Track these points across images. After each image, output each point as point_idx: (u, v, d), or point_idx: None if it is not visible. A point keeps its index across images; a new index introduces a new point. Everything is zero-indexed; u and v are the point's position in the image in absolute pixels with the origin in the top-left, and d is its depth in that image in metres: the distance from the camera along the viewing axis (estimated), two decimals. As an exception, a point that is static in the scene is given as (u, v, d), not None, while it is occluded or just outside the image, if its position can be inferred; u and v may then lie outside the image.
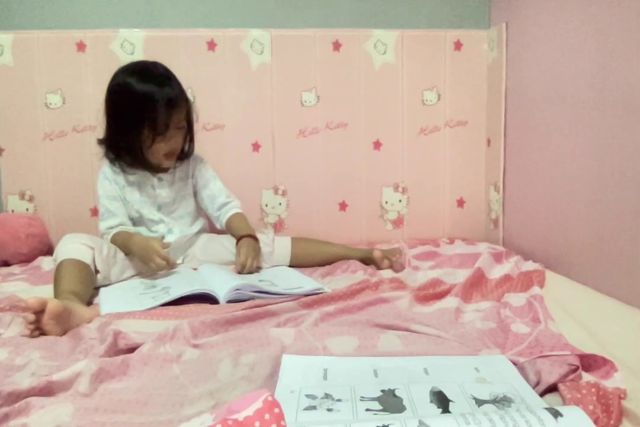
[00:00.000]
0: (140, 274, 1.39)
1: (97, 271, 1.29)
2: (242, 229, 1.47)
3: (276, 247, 1.49)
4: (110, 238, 1.41)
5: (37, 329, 0.98)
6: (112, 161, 1.45)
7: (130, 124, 1.35)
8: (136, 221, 1.49)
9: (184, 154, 1.49)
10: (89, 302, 1.21)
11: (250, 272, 1.37)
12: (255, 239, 1.45)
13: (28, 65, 1.67)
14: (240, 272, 1.37)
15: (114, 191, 1.45)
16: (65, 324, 1.00)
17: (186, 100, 1.42)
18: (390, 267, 1.46)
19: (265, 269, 1.46)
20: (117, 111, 1.38)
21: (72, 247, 1.28)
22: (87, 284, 1.23)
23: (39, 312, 0.97)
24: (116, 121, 1.39)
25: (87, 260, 1.26)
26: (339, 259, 1.49)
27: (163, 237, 1.43)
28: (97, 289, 1.30)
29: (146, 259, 1.30)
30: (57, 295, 1.14)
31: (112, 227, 1.43)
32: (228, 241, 1.50)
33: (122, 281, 1.35)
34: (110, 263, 1.32)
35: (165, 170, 1.48)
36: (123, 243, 1.37)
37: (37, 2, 1.68)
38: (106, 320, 1.00)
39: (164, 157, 1.41)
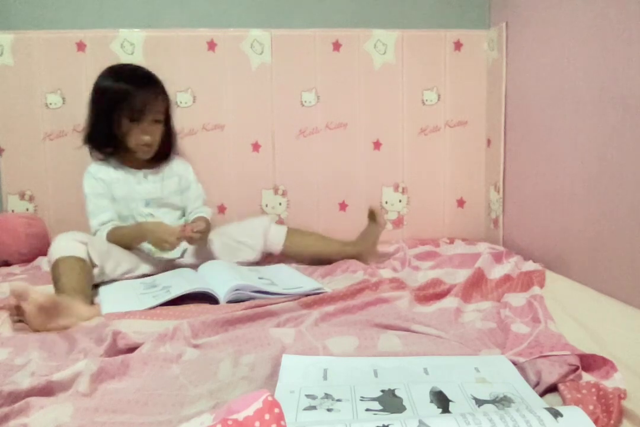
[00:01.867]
0: (135, 269, 1.39)
1: (94, 265, 1.29)
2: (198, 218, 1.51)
3: (270, 233, 1.53)
4: (105, 234, 1.41)
5: (18, 316, 1.00)
6: (100, 156, 1.47)
7: (111, 113, 1.40)
8: (123, 218, 1.49)
9: (165, 153, 1.52)
10: (91, 301, 1.21)
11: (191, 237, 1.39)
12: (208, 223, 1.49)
13: (28, 65, 1.67)
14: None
15: (101, 188, 1.46)
16: (49, 319, 1.00)
17: (165, 98, 1.45)
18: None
19: (265, 267, 1.47)
20: (100, 101, 1.42)
21: (65, 245, 1.27)
22: (88, 280, 1.24)
23: (23, 299, 0.98)
24: (99, 112, 1.43)
25: (83, 255, 1.26)
26: (333, 255, 1.51)
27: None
28: (95, 287, 1.31)
29: (161, 239, 1.34)
30: (59, 293, 1.15)
31: (104, 223, 1.43)
32: (227, 235, 1.52)
33: (117, 276, 1.36)
34: (104, 258, 1.32)
35: (149, 167, 1.50)
36: (128, 234, 1.40)
37: (37, 2, 1.68)
38: (105, 320, 1.00)
39: (139, 146, 1.43)
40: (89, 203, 1.45)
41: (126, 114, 1.39)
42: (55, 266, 1.23)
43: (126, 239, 1.40)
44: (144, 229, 1.38)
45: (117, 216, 1.47)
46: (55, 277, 1.21)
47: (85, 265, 1.25)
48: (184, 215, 1.56)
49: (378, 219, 1.56)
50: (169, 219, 1.51)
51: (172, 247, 1.35)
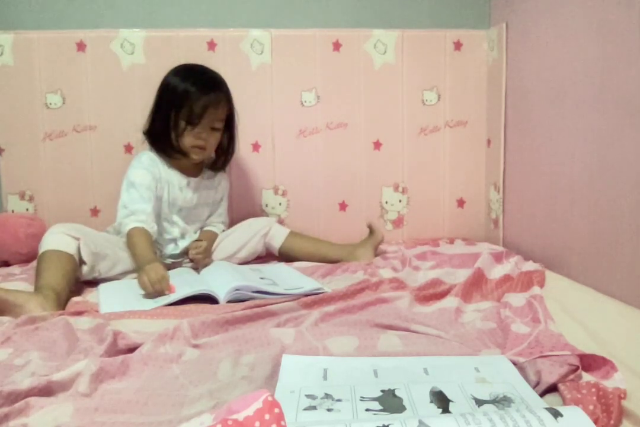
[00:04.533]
0: (134, 270, 1.39)
1: (82, 262, 1.29)
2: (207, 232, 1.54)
3: (269, 234, 1.57)
4: (131, 228, 1.33)
5: None
6: (157, 150, 1.45)
7: (170, 111, 1.40)
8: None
9: (216, 165, 1.53)
10: (75, 291, 1.24)
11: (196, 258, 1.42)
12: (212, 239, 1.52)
13: (28, 65, 1.66)
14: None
15: (150, 181, 1.41)
16: None
17: (227, 107, 1.46)
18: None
19: (266, 267, 1.47)
20: (163, 98, 1.42)
21: (55, 238, 1.27)
22: (68, 277, 1.23)
23: None
24: (159, 107, 1.43)
25: (71, 250, 1.26)
26: (328, 257, 1.54)
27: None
28: (89, 283, 1.32)
29: (143, 283, 1.21)
30: (37, 289, 1.16)
31: (144, 212, 1.36)
32: (227, 238, 1.54)
33: (114, 275, 1.36)
34: (96, 256, 1.32)
35: (194, 175, 1.50)
36: (135, 253, 1.31)
37: (37, 2, 1.68)
38: (104, 320, 1.00)
39: (192, 148, 1.42)
40: (133, 191, 1.38)
41: (184, 117, 1.38)
42: (41, 259, 1.24)
43: (131, 251, 1.33)
44: (141, 268, 1.24)
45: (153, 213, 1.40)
46: (38, 272, 1.21)
47: (71, 262, 1.25)
48: (201, 228, 1.57)
49: (377, 232, 1.58)
50: (190, 231, 1.51)
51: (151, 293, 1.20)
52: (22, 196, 1.72)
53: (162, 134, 1.42)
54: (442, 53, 1.78)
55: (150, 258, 1.27)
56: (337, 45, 1.75)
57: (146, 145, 1.50)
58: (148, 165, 1.43)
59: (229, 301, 1.16)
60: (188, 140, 1.41)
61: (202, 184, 1.53)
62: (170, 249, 1.47)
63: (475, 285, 1.23)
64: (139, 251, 1.30)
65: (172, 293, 1.19)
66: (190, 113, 1.38)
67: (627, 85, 1.12)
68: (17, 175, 1.71)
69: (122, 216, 1.36)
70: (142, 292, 1.24)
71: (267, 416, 0.51)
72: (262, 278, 1.31)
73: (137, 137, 1.57)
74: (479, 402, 0.70)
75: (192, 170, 1.50)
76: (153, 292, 1.19)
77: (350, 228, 1.79)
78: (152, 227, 1.36)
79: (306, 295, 1.16)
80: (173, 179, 1.46)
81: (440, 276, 1.31)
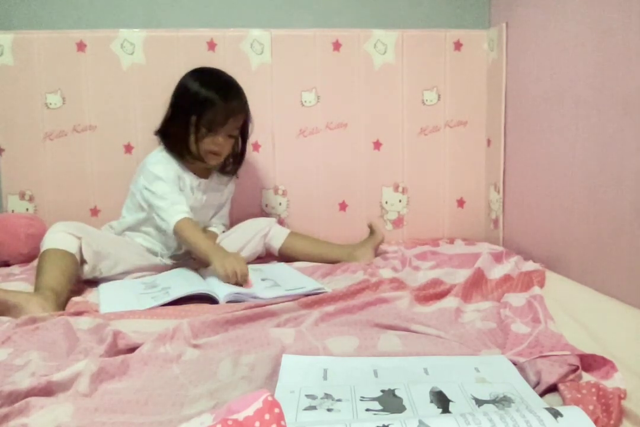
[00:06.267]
0: (135, 270, 1.39)
1: (84, 261, 1.29)
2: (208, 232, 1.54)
3: (269, 235, 1.57)
4: (178, 220, 1.33)
5: None
6: (171, 151, 1.44)
7: (189, 116, 1.39)
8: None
9: (227, 169, 1.53)
10: (75, 291, 1.24)
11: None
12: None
13: (28, 65, 1.66)
14: None
15: (174, 176, 1.41)
16: None
17: (245, 114, 1.47)
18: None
19: (268, 267, 1.47)
20: (182, 103, 1.42)
21: (57, 237, 1.28)
22: (69, 276, 1.23)
23: None
24: (177, 112, 1.42)
25: (72, 250, 1.26)
26: (328, 256, 1.54)
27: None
28: (90, 282, 1.32)
29: (223, 272, 1.24)
30: (37, 289, 1.17)
31: (183, 203, 1.37)
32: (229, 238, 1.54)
33: (115, 274, 1.36)
34: (98, 256, 1.32)
35: (206, 177, 1.51)
36: (199, 247, 1.31)
37: (37, 2, 1.68)
38: (104, 320, 1.00)
39: (208, 154, 1.43)
40: (161, 183, 1.38)
41: (205, 124, 1.38)
42: (42, 258, 1.24)
43: (192, 245, 1.33)
44: (215, 259, 1.27)
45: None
46: (38, 271, 1.22)
47: (72, 261, 1.25)
48: (203, 229, 1.57)
49: (377, 232, 1.57)
50: None
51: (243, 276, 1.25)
52: (22, 196, 1.72)
53: (179, 137, 1.42)
54: (442, 53, 1.78)
55: (219, 247, 1.34)
56: (337, 45, 1.75)
57: (147, 145, 1.50)
58: (168, 163, 1.43)
59: (229, 301, 1.16)
60: (205, 145, 1.41)
61: (211, 186, 1.53)
62: (173, 249, 1.48)
63: (475, 285, 1.23)
64: (205, 245, 1.31)
65: (250, 287, 1.24)
66: (212, 121, 1.38)
67: (627, 85, 1.12)
68: (17, 175, 1.71)
69: (166, 205, 1.35)
70: (141, 292, 1.24)
71: (267, 416, 0.51)
72: (263, 279, 1.31)
73: (137, 137, 1.57)
74: (479, 402, 0.70)
75: (202, 172, 1.50)
76: (233, 284, 1.23)
77: (350, 228, 1.79)
78: (195, 219, 1.38)
79: (306, 295, 1.16)
80: (186, 179, 1.46)
81: (440, 276, 1.31)
